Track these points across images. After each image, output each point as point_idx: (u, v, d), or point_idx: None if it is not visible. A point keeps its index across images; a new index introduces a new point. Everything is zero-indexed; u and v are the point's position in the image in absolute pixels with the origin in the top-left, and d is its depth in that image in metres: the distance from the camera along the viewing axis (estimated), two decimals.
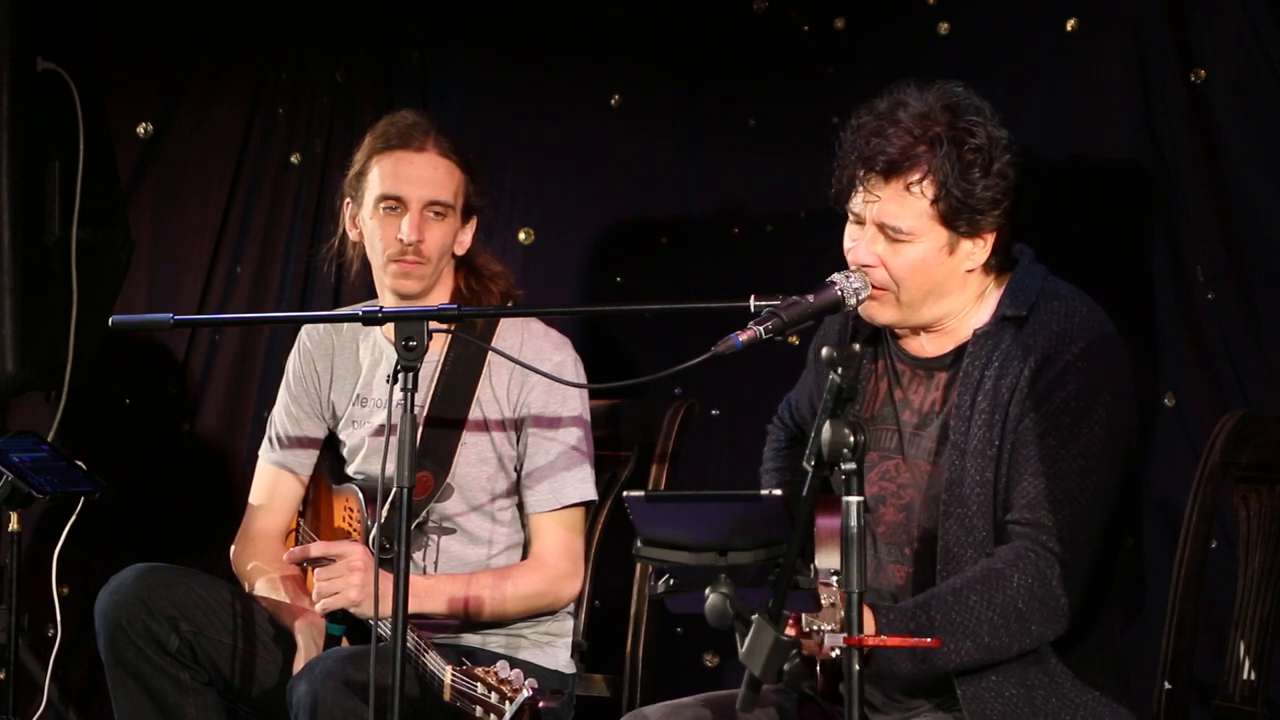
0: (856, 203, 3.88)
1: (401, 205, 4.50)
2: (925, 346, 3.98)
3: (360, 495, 4.55)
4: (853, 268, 3.88)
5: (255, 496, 4.73)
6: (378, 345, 4.65)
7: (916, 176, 3.80)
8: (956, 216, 3.81)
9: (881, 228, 3.84)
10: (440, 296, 4.55)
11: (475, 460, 4.53)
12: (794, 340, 4.72)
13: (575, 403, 4.55)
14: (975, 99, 3.85)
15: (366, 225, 4.56)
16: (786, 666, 3.42)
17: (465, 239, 4.59)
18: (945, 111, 3.82)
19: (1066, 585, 3.77)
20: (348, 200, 4.61)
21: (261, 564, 4.61)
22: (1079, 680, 3.86)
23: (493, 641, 4.53)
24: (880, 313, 3.91)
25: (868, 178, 3.83)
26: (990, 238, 3.87)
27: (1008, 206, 3.84)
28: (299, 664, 4.36)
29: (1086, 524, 3.80)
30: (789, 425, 4.39)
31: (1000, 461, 3.82)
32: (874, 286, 3.87)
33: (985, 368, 3.86)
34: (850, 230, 3.92)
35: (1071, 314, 3.85)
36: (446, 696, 4.05)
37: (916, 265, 3.85)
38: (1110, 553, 3.91)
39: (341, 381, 4.68)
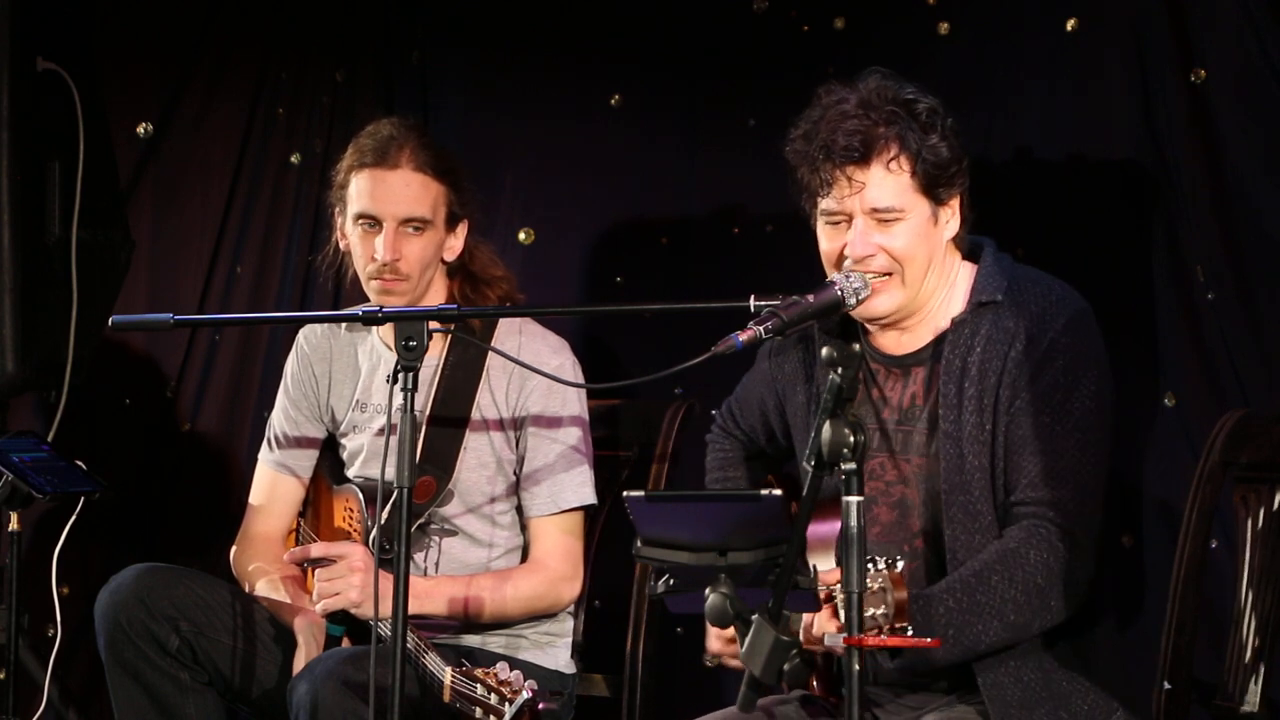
0: (832, 201, 3.92)
1: (377, 223, 4.48)
2: (901, 341, 4.02)
3: (360, 495, 4.55)
4: (850, 264, 3.90)
5: (255, 499, 4.73)
6: (375, 349, 4.64)
7: (893, 152, 3.89)
8: (934, 183, 3.91)
9: (872, 212, 3.90)
10: (433, 304, 4.53)
11: (475, 464, 4.53)
12: None
13: (574, 405, 4.54)
14: (899, 78, 3.95)
15: (350, 238, 4.56)
16: (786, 666, 3.43)
17: (455, 245, 4.57)
18: (883, 93, 3.92)
19: (1080, 559, 3.84)
20: (337, 210, 4.61)
21: (263, 565, 4.61)
22: (1089, 665, 3.91)
23: (493, 642, 4.53)
24: (883, 303, 3.93)
25: (845, 169, 3.88)
26: (956, 204, 3.96)
27: (966, 166, 3.94)
28: (299, 662, 4.36)
29: (1090, 497, 3.88)
30: (737, 435, 4.40)
31: (995, 445, 3.88)
32: (878, 275, 3.89)
33: (968, 354, 3.92)
34: (829, 232, 3.95)
35: (1048, 293, 3.94)
36: (446, 698, 4.05)
37: (915, 238, 3.91)
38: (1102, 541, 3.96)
39: (340, 386, 4.67)
